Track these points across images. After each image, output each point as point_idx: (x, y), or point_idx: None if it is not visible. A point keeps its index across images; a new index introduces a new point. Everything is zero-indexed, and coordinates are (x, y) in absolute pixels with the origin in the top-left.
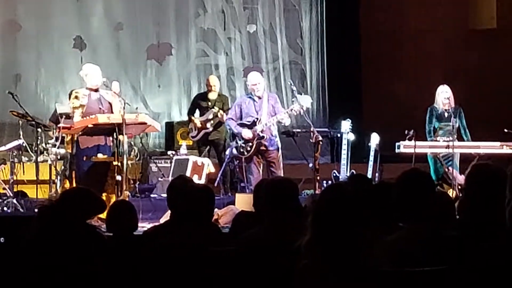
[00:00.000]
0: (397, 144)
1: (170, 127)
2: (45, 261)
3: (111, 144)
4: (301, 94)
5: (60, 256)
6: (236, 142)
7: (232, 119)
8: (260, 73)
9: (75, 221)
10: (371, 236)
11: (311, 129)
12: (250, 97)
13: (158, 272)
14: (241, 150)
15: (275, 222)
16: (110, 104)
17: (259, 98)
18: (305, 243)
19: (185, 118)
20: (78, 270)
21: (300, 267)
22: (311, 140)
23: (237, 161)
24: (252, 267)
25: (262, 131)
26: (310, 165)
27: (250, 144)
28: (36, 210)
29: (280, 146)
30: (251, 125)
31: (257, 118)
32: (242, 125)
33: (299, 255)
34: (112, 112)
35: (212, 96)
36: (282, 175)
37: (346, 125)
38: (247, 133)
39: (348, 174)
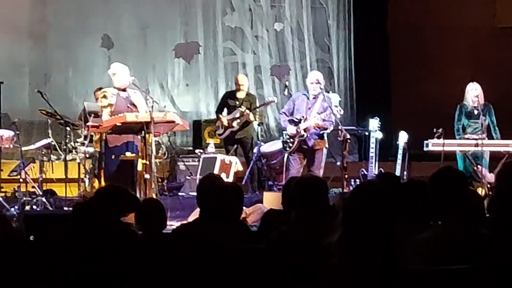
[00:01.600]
0: (425, 142)
1: (198, 126)
2: (79, 258)
3: (139, 142)
4: (328, 93)
5: (93, 254)
6: (283, 137)
7: (285, 113)
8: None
9: (109, 218)
10: (400, 235)
11: (339, 127)
12: (304, 94)
13: (187, 270)
14: (285, 145)
15: (303, 221)
16: (139, 104)
17: (314, 97)
18: (335, 242)
19: (212, 116)
20: (111, 267)
21: (329, 265)
22: (339, 138)
23: (265, 159)
24: (280, 265)
25: (305, 130)
26: (338, 163)
27: (292, 140)
28: (70, 207)
29: (326, 147)
30: (298, 122)
31: (303, 116)
32: (291, 121)
33: (327, 253)
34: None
35: (241, 95)
36: (320, 175)
37: (374, 123)
38: (290, 130)
39: (376, 173)
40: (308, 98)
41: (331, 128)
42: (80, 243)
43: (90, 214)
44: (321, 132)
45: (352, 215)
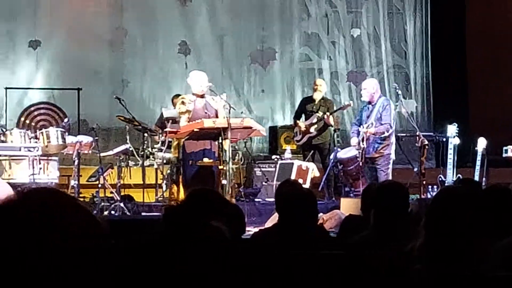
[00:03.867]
0: (504, 148)
1: (274, 132)
2: (171, 263)
3: (216, 148)
4: (405, 99)
5: (185, 258)
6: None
7: (355, 123)
8: (364, 77)
9: (201, 222)
10: (482, 241)
11: (417, 133)
12: (366, 104)
13: (266, 275)
14: (357, 155)
15: (384, 226)
16: (216, 110)
17: (372, 105)
18: (417, 247)
19: (288, 122)
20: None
21: (412, 271)
22: (416, 144)
23: (341, 165)
24: (361, 271)
25: (362, 140)
26: (415, 169)
27: (359, 150)
28: (148, 213)
29: (388, 152)
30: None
31: (362, 126)
32: (359, 132)
33: (409, 259)
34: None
35: (317, 96)
36: None
37: (452, 129)
38: (353, 141)
39: (454, 179)
40: (368, 107)
41: (391, 130)
42: (172, 247)
43: (182, 218)
44: (381, 138)
45: (435, 221)
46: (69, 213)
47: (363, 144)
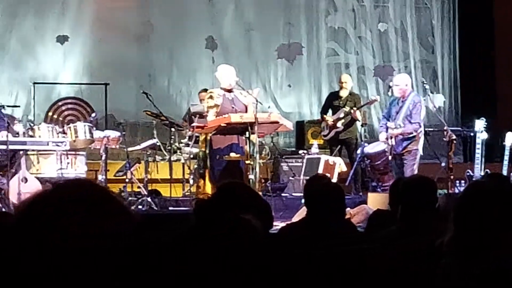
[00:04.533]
0: None
1: (301, 126)
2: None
3: (244, 143)
4: (433, 93)
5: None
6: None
7: (384, 117)
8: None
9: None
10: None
11: (445, 128)
12: (396, 98)
13: (294, 270)
14: (386, 150)
15: (412, 221)
16: (246, 105)
17: (403, 101)
18: (446, 242)
19: (315, 117)
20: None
21: (441, 266)
22: (444, 139)
23: (368, 160)
24: (388, 266)
25: (391, 137)
26: (443, 164)
27: (387, 145)
28: (175, 208)
29: (416, 148)
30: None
31: (389, 121)
32: (386, 127)
33: (438, 254)
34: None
35: (343, 93)
36: None
37: (480, 124)
38: (381, 136)
39: (482, 174)
40: (397, 102)
41: (420, 129)
42: (203, 241)
43: (212, 211)
44: (409, 136)
45: (464, 215)
46: (105, 203)
47: (391, 141)
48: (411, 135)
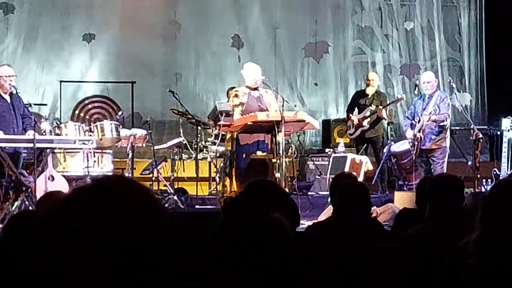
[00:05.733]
0: None
1: (327, 125)
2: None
3: (269, 141)
4: (459, 92)
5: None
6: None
7: (408, 117)
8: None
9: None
10: None
11: (471, 127)
12: (421, 96)
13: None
14: (410, 148)
15: (438, 220)
16: (270, 104)
17: (429, 97)
18: (473, 241)
19: (341, 115)
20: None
21: (468, 264)
22: (471, 138)
23: (395, 159)
24: (416, 264)
25: (419, 131)
26: (469, 163)
27: (413, 144)
28: (201, 206)
29: (445, 145)
30: (415, 125)
31: (417, 119)
32: (412, 125)
33: (465, 253)
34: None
35: (370, 91)
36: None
37: (506, 122)
38: (408, 134)
39: (508, 172)
40: (423, 100)
41: (447, 121)
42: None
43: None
44: (439, 128)
45: (491, 214)
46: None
47: (419, 134)
48: (441, 124)
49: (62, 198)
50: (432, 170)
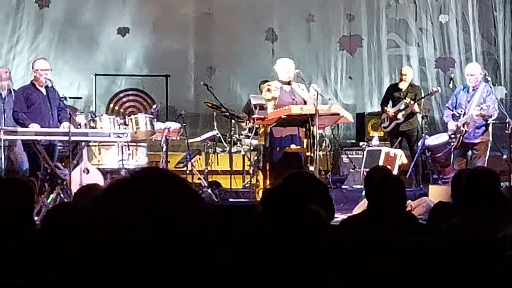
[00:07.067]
0: None
1: (361, 118)
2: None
3: (303, 135)
4: (495, 85)
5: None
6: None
7: (449, 108)
8: (452, 63)
9: (298, 205)
10: None
11: (507, 120)
12: (464, 88)
13: (356, 261)
14: (449, 140)
15: (475, 213)
16: (304, 98)
17: (473, 89)
18: (510, 234)
19: (376, 109)
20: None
21: (505, 258)
22: (506, 131)
23: (429, 152)
24: (452, 258)
25: (464, 124)
26: (505, 156)
27: (454, 136)
28: (235, 199)
29: (489, 139)
30: (459, 117)
31: (462, 110)
32: (454, 116)
33: (501, 246)
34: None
35: (403, 85)
36: None
37: None
38: (451, 125)
39: None
40: (467, 91)
41: (495, 115)
42: (268, 230)
43: (279, 201)
44: (485, 122)
45: None
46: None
47: (464, 128)
48: (488, 118)
49: (103, 191)
50: (473, 163)
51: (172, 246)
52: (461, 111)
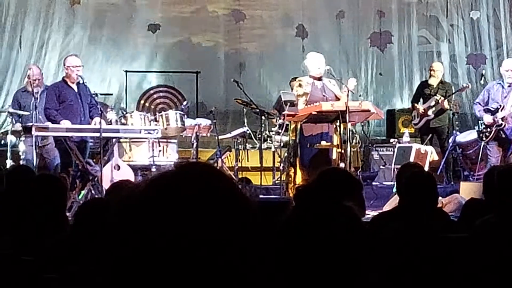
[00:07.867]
0: None
1: (392, 115)
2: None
3: (333, 131)
4: None
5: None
6: (478, 127)
7: (479, 103)
8: (484, 59)
9: (332, 201)
10: None
11: None
12: (499, 83)
13: (388, 258)
14: (481, 135)
15: (507, 210)
16: (335, 94)
17: (509, 85)
18: None
19: (406, 105)
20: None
21: None
22: None
23: (460, 149)
24: (485, 254)
25: (502, 119)
26: None
27: (489, 130)
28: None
29: None
30: (495, 111)
31: (500, 105)
32: (487, 110)
33: None
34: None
35: (433, 81)
36: None
37: None
38: (487, 119)
39: None
40: (503, 87)
41: None
42: (302, 227)
43: (313, 197)
44: None
45: None
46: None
47: (502, 121)
48: None
49: (145, 186)
50: (511, 158)
51: (222, 248)
52: (498, 106)
